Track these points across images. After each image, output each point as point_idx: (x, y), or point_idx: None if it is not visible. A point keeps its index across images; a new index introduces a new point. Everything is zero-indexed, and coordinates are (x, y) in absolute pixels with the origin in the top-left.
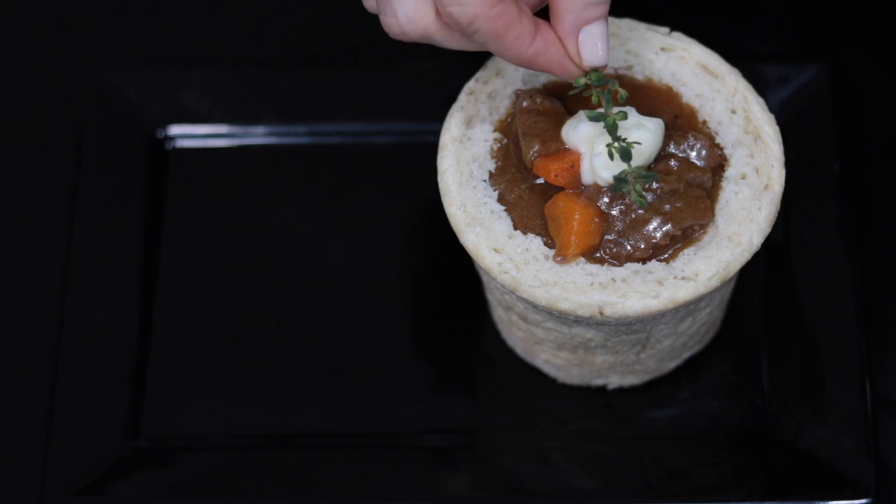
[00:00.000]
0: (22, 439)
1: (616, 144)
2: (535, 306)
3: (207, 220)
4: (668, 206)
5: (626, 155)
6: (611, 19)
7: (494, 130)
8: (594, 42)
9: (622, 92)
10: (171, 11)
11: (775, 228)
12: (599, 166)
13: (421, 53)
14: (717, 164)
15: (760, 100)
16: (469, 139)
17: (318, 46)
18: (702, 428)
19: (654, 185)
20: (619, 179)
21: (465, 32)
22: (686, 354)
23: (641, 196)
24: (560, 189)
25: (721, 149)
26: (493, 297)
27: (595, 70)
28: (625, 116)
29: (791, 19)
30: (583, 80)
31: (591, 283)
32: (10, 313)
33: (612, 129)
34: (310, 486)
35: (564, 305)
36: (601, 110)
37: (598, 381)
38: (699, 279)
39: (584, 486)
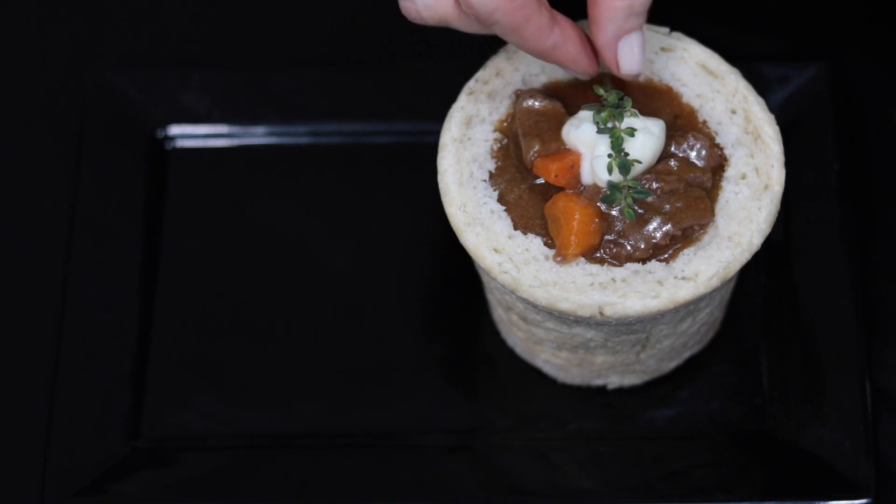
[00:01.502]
0: (22, 439)
1: (617, 159)
2: (535, 306)
3: (207, 220)
4: (668, 206)
5: (624, 169)
6: None
7: (494, 130)
8: (633, 51)
9: (629, 106)
10: (171, 11)
11: (775, 228)
12: (600, 167)
13: (421, 54)
14: (717, 164)
15: (760, 100)
16: (469, 139)
17: (318, 46)
18: (702, 428)
19: (654, 186)
20: (614, 187)
21: (484, 24)
22: (686, 354)
23: (631, 208)
24: (560, 189)
25: (721, 149)
26: (493, 297)
27: (615, 90)
28: (632, 133)
29: (791, 19)
30: (602, 91)
31: (591, 283)
32: (10, 313)
33: (616, 143)
34: (310, 486)
35: (564, 305)
36: (609, 121)
37: (598, 381)
38: (699, 279)
39: (584, 486)
